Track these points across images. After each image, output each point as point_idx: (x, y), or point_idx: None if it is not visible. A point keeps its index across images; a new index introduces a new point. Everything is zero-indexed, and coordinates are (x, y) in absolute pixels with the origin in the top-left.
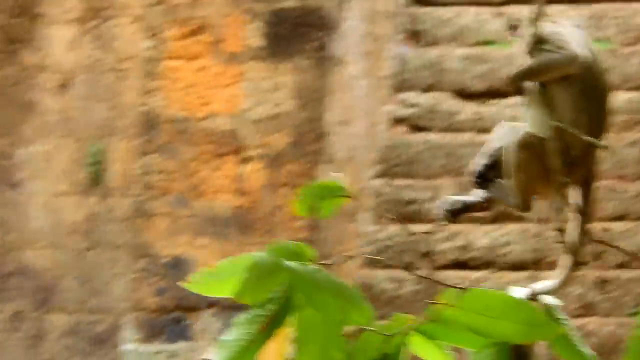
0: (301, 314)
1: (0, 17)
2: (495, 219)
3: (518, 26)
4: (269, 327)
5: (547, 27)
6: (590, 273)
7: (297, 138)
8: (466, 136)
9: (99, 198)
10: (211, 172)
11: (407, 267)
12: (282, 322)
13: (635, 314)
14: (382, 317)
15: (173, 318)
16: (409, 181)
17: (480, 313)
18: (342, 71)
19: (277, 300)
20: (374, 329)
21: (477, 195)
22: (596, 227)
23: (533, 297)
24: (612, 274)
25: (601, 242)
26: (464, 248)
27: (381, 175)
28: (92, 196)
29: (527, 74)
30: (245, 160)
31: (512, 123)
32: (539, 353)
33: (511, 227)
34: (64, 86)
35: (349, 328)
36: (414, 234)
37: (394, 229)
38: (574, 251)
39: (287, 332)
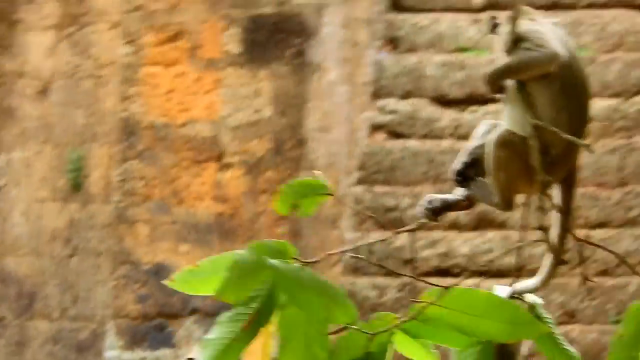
0: (284, 312)
1: None
2: (477, 226)
3: (499, 24)
4: (253, 325)
5: (526, 25)
6: (573, 281)
7: (277, 145)
8: (446, 143)
9: (80, 205)
10: (191, 179)
11: (390, 273)
12: (266, 321)
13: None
14: None
15: (155, 325)
16: (390, 188)
17: (464, 312)
18: (321, 78)
19: (260, 299)
20: (358, 327)
21: (458, 193)
22: (579, 234)
23: (516, 295)
24: (594, 281)
25: (586, 242)
26: (445, 255)
27: (361, 182)
28: (72, 203)
29: (506, 72)
30: (226, 167)
31: (494, 121)
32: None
33: (492, 234)
34: (43, 92)
35: (332, 326)
36: (385, 239)
37: (375, 236)
38: (555, 250)
39: (272, 330)
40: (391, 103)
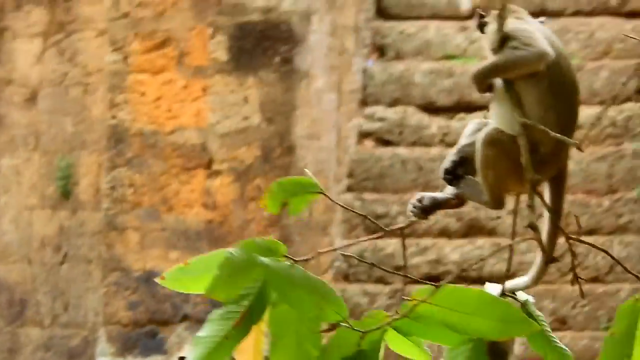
0: (276, 310)
1: None
2: (467, 233)
3: (486, 23)
4: (244, 323)
5: (513, 24)
6: (564, 287)
7: (266, 152)
8: (435, 150)
9: (70, 212)
10: (181, 186)
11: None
12: (257, 318)
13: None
14: None
15: (147, 332)
16: (379, 195)
17: (455, 310)
18: (309, 85)
19: (251, 297)
20: (349, 325)
21: (448, 192)
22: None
23: (507, 293)
24: (585, 288)
25: (578, 240)
26: (436, 262)
27: (351, 189)
28: (62, 210)
29: (493, 70)
30: (215, 174)
31: (483, 120)
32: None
33: (482, 241)
34: (31, 100)
35: (324, 325)
36: (379, 236)
37: (365, 243)
38: (546, 248)
39: (263, 328)
40: (379, 111)
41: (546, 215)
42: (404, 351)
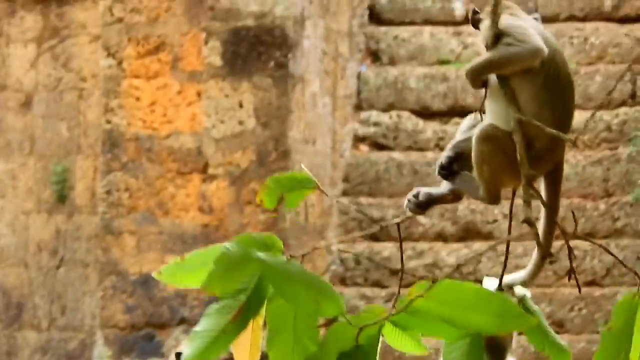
0: (273, 304)
1: None
2: (463, 237)
3: (481, 19)
4: (241, 317)
5: (507, 20)
6: (561, 290)
7: (261, 156)
8: (430, 155)
9: (66, 216)
10: (176, 190)
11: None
12: (254, 313)
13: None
14: None
15: (144, 335)
16: (374, 199)
17: (453, 305)
18: (304, 89)
19: (248, 291)
20: (346, 320)
21: (444, 187)
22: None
23: (504, 288)
24: (582, 291)
25: (576, 237)
26: (432, 266)
27: (346, 193)
28: (58, 214)
29: (487, 66)
30: (210, 179)
31: (478, 116)
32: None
33: (479, 245)
34: (26, 105)
35: (321, 320)
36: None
37: (361, 246)
38: (542, 243)
39: (261, 322)
40: (374, 115)
41: (542, 210)
42: (401, 346)
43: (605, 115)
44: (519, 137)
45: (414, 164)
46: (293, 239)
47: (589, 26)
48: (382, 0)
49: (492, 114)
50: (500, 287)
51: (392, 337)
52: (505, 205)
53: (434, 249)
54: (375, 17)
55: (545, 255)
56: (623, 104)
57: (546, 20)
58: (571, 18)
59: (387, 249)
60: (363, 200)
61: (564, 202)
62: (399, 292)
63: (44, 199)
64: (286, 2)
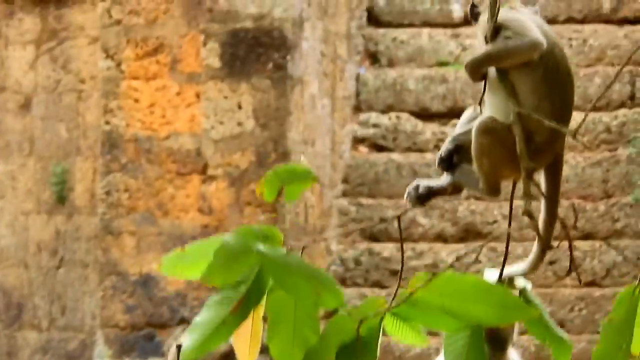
0: (273, 296)
1: None
2: (463, 238)
3: (479, 13)
4: (241, 308)
5: (506, 13)
6: (561, 290)
7: (260, 157)
8: (429, 156)
9: (66, 217)
10: (176, 191)
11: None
12: (255, 303)
13: None
14: None
15: (144, 335)
16: (374, 200)
17: (453, 296)
18: (302, 91)
19: (248, 282)
20: (347, 312)
21: (443, 179)
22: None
23: (504, 279)
24: (582, 291)
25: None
26: (432, 266)
27: (346, 194)
28: (58, 215)
29: (486, 60)
30: (210, 179)
31: (478, 108)
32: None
33: (478, 245)
34: (25, 106)
35: (322, 312)
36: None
37: (361, 247)
38: (542, 236)
39: (261, 313)
40: (373, 117)
41: (543, 203)
42: (402, 337)
43: (605, 116)
44: (519, 130)
45: (413, 165)
46: (293, 240)
47: (588, 28)
48: (381, 2)
49: (492, 106)
50: (500, 279)
51: (393, 329)
52: (504, 206)
53: (434, 250)
54: (374, 19)
55: (546, 247)
56: (622, 105)
57: (545, 22)
58: (570, 20)
59: (387, 249)
60: (363, 201)
61: (563, 203)
62: (399, 285)
63: (44, 199)
64: (285, 4)
